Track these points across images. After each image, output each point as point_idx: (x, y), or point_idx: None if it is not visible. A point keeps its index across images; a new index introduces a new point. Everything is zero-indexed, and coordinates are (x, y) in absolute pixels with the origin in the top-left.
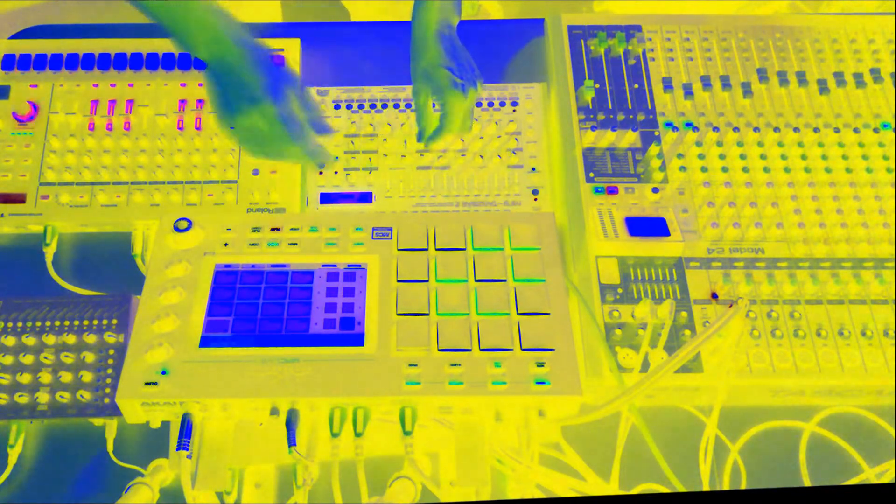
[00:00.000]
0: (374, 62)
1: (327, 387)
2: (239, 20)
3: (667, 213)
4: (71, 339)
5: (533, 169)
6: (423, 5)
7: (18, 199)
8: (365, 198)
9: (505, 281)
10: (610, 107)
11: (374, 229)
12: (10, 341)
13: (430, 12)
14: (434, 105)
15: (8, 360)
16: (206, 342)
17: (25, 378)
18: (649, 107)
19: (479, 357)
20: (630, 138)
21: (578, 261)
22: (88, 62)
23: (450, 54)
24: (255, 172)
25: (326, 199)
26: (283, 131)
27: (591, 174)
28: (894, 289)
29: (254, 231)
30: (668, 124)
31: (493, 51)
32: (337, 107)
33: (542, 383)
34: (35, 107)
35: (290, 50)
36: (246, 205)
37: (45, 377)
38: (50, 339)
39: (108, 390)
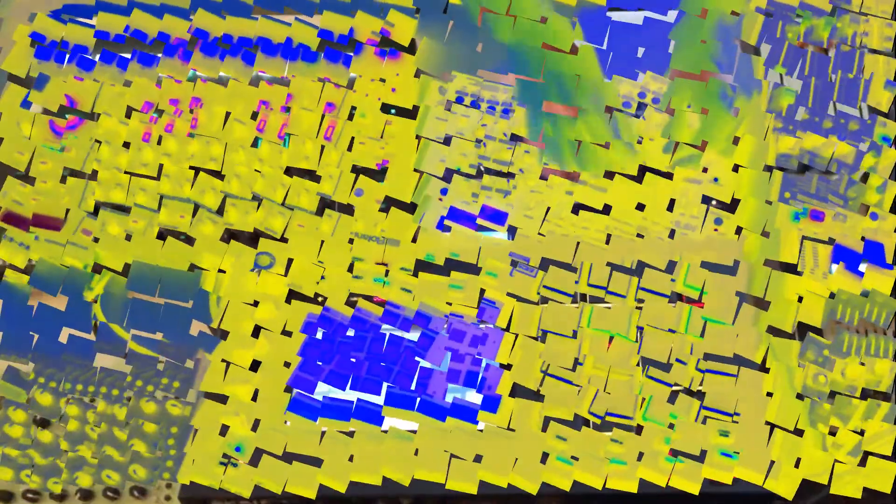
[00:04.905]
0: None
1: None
2: None
3: (888, 240)
4: (123, 406)
5: (715, 179)
6: None
7: (53, 224)
8: (499, 224)
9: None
10: (813, 107)
11: (511, 263)
12: (47, 406)
13: None
14: None
15: (46, 437)
16: (295, 407)
17: (66, 454)
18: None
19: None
20: (841, 150)
21: (776, 303)
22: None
23: None
24: (359, 193)
25: (450, 226)
26: None
27: (787, 194)
28: None
29: (356, 267)
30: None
31: None
32: (460, 100)
33: (728, 456)
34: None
35: (401, 26)
36: (346, 235)
37: (90, 453)
38: (97, 407)
39: (168, 471)
